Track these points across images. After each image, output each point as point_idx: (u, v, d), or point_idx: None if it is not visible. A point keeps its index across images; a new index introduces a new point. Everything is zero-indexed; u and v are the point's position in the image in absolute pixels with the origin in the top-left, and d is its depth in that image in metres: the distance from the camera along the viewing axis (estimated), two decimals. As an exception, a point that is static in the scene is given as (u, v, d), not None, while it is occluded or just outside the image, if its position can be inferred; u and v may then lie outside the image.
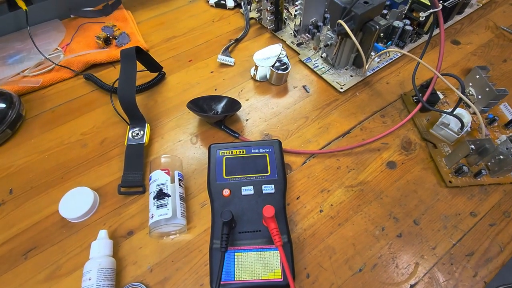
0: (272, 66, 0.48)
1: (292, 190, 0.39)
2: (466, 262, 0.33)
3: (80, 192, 0.37)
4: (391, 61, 0.52)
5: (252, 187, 0.35)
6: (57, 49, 0.54)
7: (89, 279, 0.29)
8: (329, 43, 0.47)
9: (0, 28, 0.56)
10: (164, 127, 0.45)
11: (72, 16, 0.61)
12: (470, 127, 0.42)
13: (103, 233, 0.33)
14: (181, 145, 0.43)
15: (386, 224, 0.36)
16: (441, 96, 0.46)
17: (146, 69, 0.49)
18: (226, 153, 0.38)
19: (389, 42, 0.53)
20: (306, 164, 0.41)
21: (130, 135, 0.42)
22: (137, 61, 0.44)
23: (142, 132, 0.42)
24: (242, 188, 0.35)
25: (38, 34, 0.57)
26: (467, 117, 0.41)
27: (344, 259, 0.34)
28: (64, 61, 0.52)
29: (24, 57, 0.53)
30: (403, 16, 0.53)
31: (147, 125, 0.43)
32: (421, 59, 0.41)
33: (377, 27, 0.42)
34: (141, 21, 0.61)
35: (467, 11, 0.59)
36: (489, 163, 0.38)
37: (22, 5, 0.52)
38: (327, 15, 0.54)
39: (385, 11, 0.54)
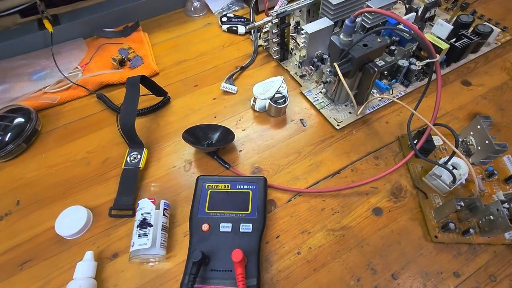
0: (271, 99, 0.49)
1: (273, 228, 0.39)
2: (441, 326, 0.32)
3: (76, 210, 0.40)
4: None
5: (230, 224, 0.36)
6: (77, 67, 0.59)
7: (69, 299, 0.32)
8: (328, 80, 0.48)
9: (30, 45, 0.61)
10: (162, 151, 0.48)
11: (95, 36, 0.65)
12: (466, 178, 0.40)
13: (89, 255, 0.36)
14: (174, 171, 0.45)
15: (363, 275, 0.35)
16: (441, 142, 0.45)
17: (152, 93, 0.52)
18: (212, 186, 0.39)
19: (394, 80, 0.52)
20: (291, 202, 0.41)
21: (128, 159, 0.44)
22: (142, 86, 0.47)
23: (139, 156, 0.44)
24: (221, 224, 0.36)
25: (62, 52, 0.62)
26: (463, 168, 0.39)
27: (314, 306, 0.34)
28: (81, 80, 0.56)
29: (47, 74, 0.57)
30: (411, 54, 0.52)
31: (144, 150, 0.45)
32: (416, 109, 0.40)
33: (376, 69, 0.42)
34: (157, 43, 0.65)
35: (484, 49, 0.57)
36: (480, 221, 0.37)
37: (49, 27, 0.57)
38: (332, 49, 0.55)
39: (393, 47, 0.53)
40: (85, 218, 0.39)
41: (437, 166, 0.39)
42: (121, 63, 0.58)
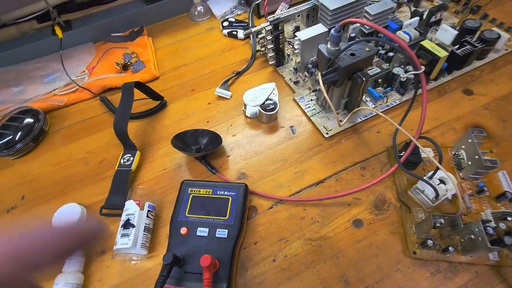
0: (261, 105, 0.49)
1: (252, 234, 0.40)
2: None
3: (70, 208, 0.43)
4: (387, 108, 0.50)
5: (207, 229, 0.37)
6: (84, 71, 0.63)
7: (56, 291, 0.35)
8: (317, 88, 0.48)
9: (45, 48, 0.66)
10: (155, 153, 0.50)
11: (104, 40, 0.69)
12: (454, 193, 0.39)
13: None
14: (164, 174, 0.47)
15: (335, 286, 0.35)
16: (432, 154, 0.43)
17: (149, 97, 0.54)
18: (194, 191, 0.40)
19: (388, 88, 0.51)
20: (272, 209, 0.42)
21: (121, 161, 0.47)
22: (140, 91, 0.49)
23: (132, 158, 0.47)
24: (198, 228, 0.37)
25: (73, 55, 0.66)
26: (450, 183, 0.38)
27: (283, 314, 0.34)
28: (86, 83, 0.60)
29: (57, 77, 0.62)
30: (408, 61, 0.50)
31: (137, 153, 0.47)
32: (400, 125, 0.39)
33: (363, 79, 0.42)
34: (159, 47, 0.67)
35: (491, 56, 0.54)
36: (462, 240, 0.35)
37: (59, 33, 0.61)
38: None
39: (391, 54, 0.52)
40: (78, 215, 0.42)
41: (420, 180, 0.38)
42: (124, 67, 0.61)
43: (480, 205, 0.38)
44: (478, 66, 0.53)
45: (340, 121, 0.45)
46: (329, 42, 0.42)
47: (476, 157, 0.38)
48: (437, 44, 0.47)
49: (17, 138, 0.50)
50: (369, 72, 0.48)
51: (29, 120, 0.52)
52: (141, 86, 0.50)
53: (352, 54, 0.41)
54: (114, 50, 0.66)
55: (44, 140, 0.54)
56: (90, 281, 0.38)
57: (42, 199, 0.46)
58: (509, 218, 0.35)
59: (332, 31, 0.40)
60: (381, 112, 0.49)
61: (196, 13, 0.71)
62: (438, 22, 0.59)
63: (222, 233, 0.37)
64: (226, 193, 0.40)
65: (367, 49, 0.41)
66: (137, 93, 0.51)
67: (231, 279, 0.34)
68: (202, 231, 0.37)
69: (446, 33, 0.51)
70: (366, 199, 0.41)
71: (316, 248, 0.38)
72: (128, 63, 0.61)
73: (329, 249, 0.38)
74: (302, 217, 0.41)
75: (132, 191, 0.41)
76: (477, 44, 0.50)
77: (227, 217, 0.38)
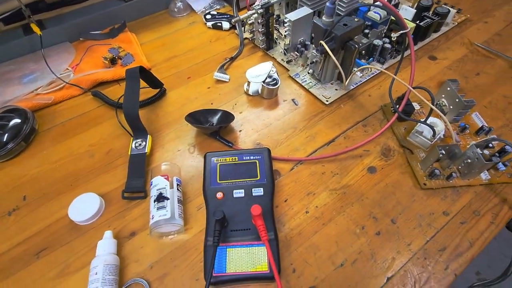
0: (263, 81, 0.52)
1: (280, 193, 0.42)
2: (439, 256, 0.36)
3: (88, 197, 0.41)
4: (372, 75, 0.56)
5: (243, 190, 0.38)
6: (68, 69, 0.60)
7: (96, 274, 0.33)
8: (314, 60, 0.52)
9: (16, 50, 0.61)
10: (165, 138, 0.49)
11: (81, 39, 0.66)
12: (443, 134, 0.46)
13: (108, 234, 0.37)
14: (180, 154, 0.47)
15: (366, 223, 0.39)
16: (418, 107, 0.50)
17: (148, 86, 0.54)
18: (220, 160, 0.42)
19: (371, 59, 0.58)
20: (293, 170, 0.45)
21: (133, 146, 0.46)
22: (140, 79, 0.49)
23: (144, 143, 0.46)
24: (234, 191, 0.38)
25: (50, 55, 0.62)
26: (440, 126, 0.45)
27: (327, 255, 0.37)
28: (73, 79, 0.57)
29: (37, 76, 0.58)
30: (383, 35, 0.58)
31: (149, 137, 0.47)
32: (395, 75, 0.45)
33: (356, 46, 0.47)
34: (145, 42, 0.67)
35: (444, 29, 0.64)
36: (459, 167, 0.42)
37: (37, 30, 0.58)
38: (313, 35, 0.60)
39: (367, 31, 0.59)
40: (98, 203, 0.40)
41: (419, 123, 0.44)
42: (113, 61, 0.60)
43: (465, 140, 0.46)
44: (436, 37, 0.63)
45: (336, 89, 0.50)
46: (324, 15, 0.47)
47: (457, 100, 0.45)
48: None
49: (5, 139, 0.46)
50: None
51: (16, 120, 0.48)
52: (143, 72, 0.50)
53: (345, 25, 0.47)
54: (96, 47, 0.64)
55: (35, 139, 0.50)
56: (126, 263, 0.37)
57: (49, 196, 0.43)
58: (490, 145, 0.43)
59: (327, 3, 0.45)
60: (369, 78, 0.56)
61: (175, 9, 0.73)
62: (396, 6, 0.69)
63: (258, 191, 0.38)
64: (252, 157, 0.42)
65: (356, 19, 0.47)
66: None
67: (276, 228, 0.36)
68: (239, 193, 0.38)
69: (406, 11, 0.61)
70: (374, 149, 0.46)
71: (341, 196, 0.42)
72: (116, 57, 0.60)
73: (353, 194, 0.42)
74: (323, 172, 0.44)
75: (155, 169, 0.41)
76: (434, 17, 0.59)
77: (258, 177, 0.40)
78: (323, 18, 0.47)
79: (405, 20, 0.55)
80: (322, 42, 0.45)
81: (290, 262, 0.36)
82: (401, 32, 0.42)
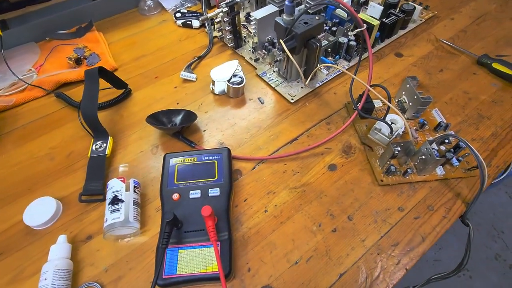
0: (228, 81, 0.52)
1: (241, 193, 0.42)
2: (391, 251, 0.37)
3: (44, 201, 0.40)
4: (339, 73, 0.57)
5: (199, 191, 0.38)
6: (31, 69, 0.58)
7: (45, 279, 0.32)
8: (278, 59, 0.52)
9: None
10: (128, 139, 0.49)
11: (47, 38, 0.65)
12: (403, 131, 0.46)
13: (62, 238, 0.36)
14: (142, 155, 0.47)
15: (323, 220, 0.39)
16: (380, 104, 0.51)
17: (112, 86, 0.53)
18: (179, 161, 0.41)
19: (337, 56, 0.58)
20: (255, 169, 0.45)
21: (93, 148, 0.45)
22: (103, 80, 0.48)
23: (104, 144, 0.45)
24: (190, 192, 0.38)
25: (14, 56, 0.61)
26: (400, 122, 0.46)
27: (283, 253, 0.37)
28: (36, 81, 0.56)
29: (-1, 78, 0.56)
30: (349, 32, 0.58)
31: (110, 138, 0.46)
32: (355, 74, 0.46)
33: (317, 44, 0.47)
34: (113, 41, 0.66)
35: (411, 26, 0.65)
36: (415, 163, 0.43)
37: (-3, 31, 0.56)
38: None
39: (334, 28, 0.59)
40: (54, 207, 0.40)
41: (378, 121, 0.44)
42: (78, 61, 0.59)
43: (424, 136, 0.47)
44: (403, 34, 0.64)
45: (302, 87, 0.50)
46: (284, 14, 0.47)
47: (415, 97, 0.46)
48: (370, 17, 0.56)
49: (-39, 143, 0.45)
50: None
51: (-27, 122, 0.47)
52: (104, 72, 0.49)
53: (305, 23, 0.47)
54: (62, 47, 0.63)
55: (-6, 143, 0.49)
56: (81, 267, 0.36)
57: (6, 201, 0.42)
58: (446, 141, 0.44)
59: (286, 1, 0.45)
60: (335, 76, 0.56)
61: (146, 7, 0.72)
62: (366, 3, 0.69)
63: (214, 191, 0.38)
64: (211, 157, 0.42)
65: (317, 17, 0.47)
66: (100, 83, 0.50)
67: (230, 229, 0.36)
68: (195, 193, 0.38)
69: (374, 9, 0.61)
70: (335, 147, 0.47)
71: (301, 194, 0.42)
72: (82, 57, 0.59)
73: (312, 192, 0.42)
74: (284, 170, 0.44)
75: (113, 172, 0.41)
76: (400, 14, 0.60)
77: (216, 177, 0.40)
78: (283, 16, 0.47)
79: (369, 17, 0.56)
80: (281, 41, 0.45)
81: (246, 261, 0.36)
82: (358, 30, 0.42)
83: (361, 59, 0.46)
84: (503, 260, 1.07)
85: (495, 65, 0.55)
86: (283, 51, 0.49)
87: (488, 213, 1.17)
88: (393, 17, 0.60)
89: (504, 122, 0.49)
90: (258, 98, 0.54)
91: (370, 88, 0.43)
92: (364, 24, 0.42)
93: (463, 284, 1.02)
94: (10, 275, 0.36)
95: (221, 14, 0.56)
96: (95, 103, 0.45)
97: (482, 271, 1.03)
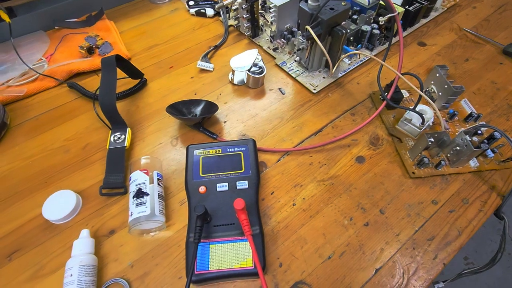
0: (248, 70, 0.50)
1: (267, 186, 0.41)
2: (427, 246, 0.35)
3: (63, 194, 0.38)
4: (361, 63, 0.55)
5: (226, 183, 0.37)
6: (41, 59, 0.56)
7: (71, 275, 0.31)
8: (301, 47, 0.50)
9: (-17, 40, 0.57)
10: (145, 130, 0.47)
11: (56, 27, 0.63)
12: (433, 121, 0.45)
13: (85, 232, 0.35)
14: (161, 148, 0.45)
15: (354, 214, 0.38)
16: (407, 94, 0.49)
17: (128, 76, 0.51)
18: (203, 152, 0.40)
19: (359, 45, 0.56)
20: (280, 161, 0.43)
21: (112, 139, 0.43)
22: (118, 69, 0.46)
23: (123, 136, 0.44)
24: (217, 184, 0.37)
25: (22, 45, 0.58)
26: (429, 113, 0.44)
27: (314, 248, 0.36)
28: (48, 70, 0.54)
29: (8, 67, 0.54)
30: (372, 20, 0.56)
31: (128, 130, 0.44)
32: (384, 61, 0.44)
33: (344, 31, 0.45)
34: (124, 30, 0.64)
35: (433, 14, 0.63)
36: (448, 154, 0.41)
37: (6, 17, 0.54)
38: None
39: (355, 16, 0.57)
40: (74, 200, 0.38)
41: (408, 111, 0.43)
42: (90, 50, 0.57)
43: (454, 127, 0.45)
44: (425, 23, 0.62)
45: (324, 77, 0.48)
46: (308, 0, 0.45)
47: (446, 86, 0.44)
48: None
49: (-27, 135, 0.43)
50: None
51: (-16, 113, 0.45)
52: (121, 61, 0.47)
53: (331, 9, 0.45)
54: (72, 36, 0.60)
55: (6, 134, 0.47)
56: (105, 263, 0.35)
57: (21, 195, 0.40)
58: (479, 132, 0.42)
59: (313, -14, 0.42)
60: (357, 66, 0.54)
61: (156, -5, 0.69)
62: (385, -9, 0.67)
63: (242, 184, 0.37)
64: (236, 149, 0.40)
65: (343, 3, 0.45)
66: (115, 71, 0.48)
67: (261, 223, 0.34)
68: (222, 186, 0.36)
69: (396, -3, 0.59)
70: (362, 139, 0.45)
71: (329, 187, 0.40)
72: (94, 46, 0.57)
73: (341, 185, 0.41)
74: (310, 163, 0.43)
75: (134, 164, 0.39)
76: (423, 2, 0.58)
77: (243, 170, 0.38)
78: (309, 1, 0.45)
79: (394, 4, 0.54)
80: (308, 27, 0.43)
81: (277, 256, 0.35)
82: (389, 15, 0.41)
83: (390, 45, 0.44)
84: (507, 253, 1.06)
85: (523, 55, 0.53)
86: (307, 39, 0.47)
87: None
88: (417, 4, 0.58)
89: (535, 113, 0.47)
90: (279, 89, 0.52)
91: (401, 76, 0.42)
92: (403, 8, 0.40)
93: (467, 277, 1.02)
94: (29, 272, 0.35)
95: (239, 1, 0.54)
96: (113, 93, 0.43)
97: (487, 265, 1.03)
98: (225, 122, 0.48)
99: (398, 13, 0.40)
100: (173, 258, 0.35)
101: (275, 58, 0.56)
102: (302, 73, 0.53)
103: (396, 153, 0.43)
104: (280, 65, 0.55)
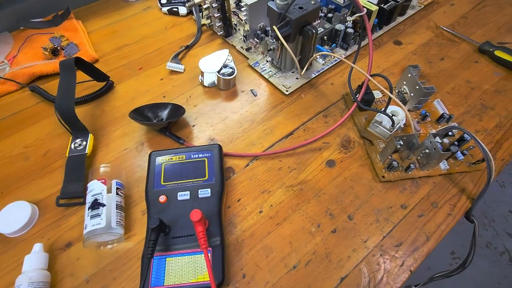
0: (218, 72, 0.48)
1: (234, 192, 0.39)
2: (395, 252, 0.35)
3: (18, 206, 0.37)
4: (335, 62, 0.54)
5: (188, 192, 0.35)
6: (3, 61, 0.54)
7: (18, 294, 0.29)
8: (272, 47, 0.49)
9: None
10: (110, 136, 0.45)
11: (21, 27, 0.60)
12: (404, 123, 0.44)
13: (37, 247, 0.33)
14: (126, 154, 0.43)
15: (322, 221, 0.37)
16: (380, 95, 0.48)
17: (92, 79, 0.49)
18: (166, 159, 0.38)
19: (334, 45, 0.55)
20: (249, 166, 0.42)
21: (72, 146, 0.41)
22: (81, 72, 0.44)
23: (84, 142, 0.42)
24: (178, 193, 0.35)
25: (-17, 47, 0.56)
26: (401, 114, 0.43)
27: (280, 257, 0.35)
28: (9, 73, 0.51)
29: (-33, 71, 0.51)
30: (346, 19, 0.55)
31: (90, 136, 0.42)
32: (354, 63, 0.43)
33: (314, 31, 0.44)
34: (93, 30, 0.61)
35: (409, 12, 0.62)
36: (418, 157, 0.40)
37: (-38, 18, 0.51)
38: (274, 20, 0.56)
39: (330, 15, 0.56)
40: (29, 212, 0.36)
41: (378, 113, 0.42)
42: (54, 52, 0.54)
43: (426, 128, 0.44)
44: (401, 21, 0.61)
45: (297, 78, 0.47)
46: (277, -2, 0.43)
47: (417, 87, 0.43)
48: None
49: None
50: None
51: None
52: (82, 63, 0.45)
53: (300, 8, 0.43)
54: (37, 37, 0.58)
55: (-38, 142, 0.45)
56: (59, 278, 0.33)
57: (-25, 206, 0.38)
58: (450, 133, 0.42)
59: (279, -16, 0.41)
60: (332, 66, 0.53)
61: (128, -7, 0.67)
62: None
63: (204, 192, 0.35)
64: (200, 155, 0.38)
65: (312, 2, 0.44)
66: (79, 75, 0.46)
67: (223, 233, 0.33)
68: (183, 195, 0.35)
69: (372, -5, 0.57)
70: (333, 141, 0.44)
71: (298, 192, 0.39)
72: (58, 48, 0.54)
73: (310, 190, 0.39)
74: (280, 168, 0.42)
75: (93, 173, 0.37)
76: (399, 0, 0.57)
77: (206, 177, 0.37)
78: (277, 0, 0.43)
79: (367, 2, 0.52)
80: (275, 27, 0.41)
81: (240, 267, 0.34)
82: (357, 15, 0.39)
83: (360, 46, 0.43)
84: (494, 248, 1.08)
85: (498, 53, 0.52)
86: (277, 39, 0.46)
87: (479, 202, 1.18)
88: (392, 2, 0.56)
89: (508, 113, 0.47)
90: (251, 90, 0.50)
91: (370, 78, 0.41)
92: (364, 8, 0.39)
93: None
94: (-20, 289, 0.33)
95: (209, 0, 0.52)
96: (71, 98, 0.41)
97: (473, 259, 1.04)
98: (193, 126, 0.46)
99: (366, 12, 0.39)
100: (132, 271, 0.34)
101: (248, 59, 0.55)
102: (275, 73, 0.52)
103: (367, 156, 0.42)
104: (253, 65, 0.53)
